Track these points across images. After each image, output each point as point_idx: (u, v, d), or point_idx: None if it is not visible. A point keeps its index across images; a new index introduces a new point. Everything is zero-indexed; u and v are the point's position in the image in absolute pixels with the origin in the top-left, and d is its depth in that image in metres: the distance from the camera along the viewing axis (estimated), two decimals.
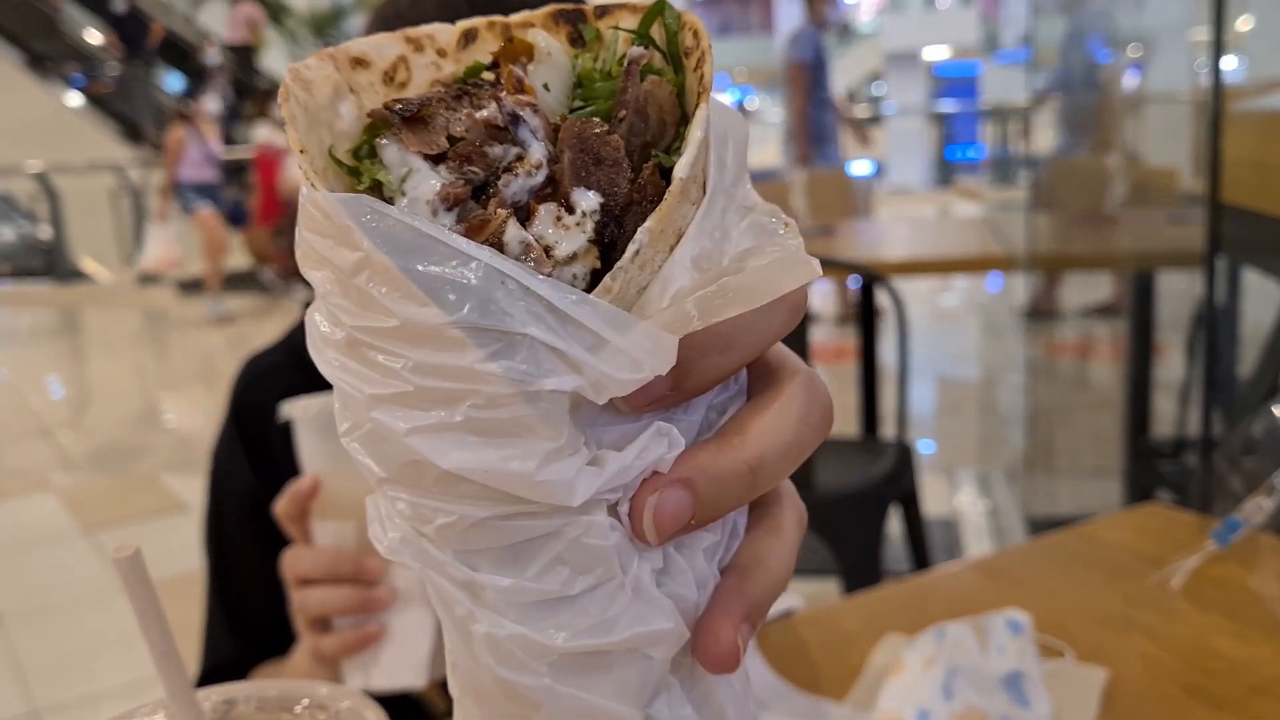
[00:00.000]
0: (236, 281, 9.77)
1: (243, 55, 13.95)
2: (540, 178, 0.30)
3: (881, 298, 3.28)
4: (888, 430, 3.12)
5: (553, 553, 0.29)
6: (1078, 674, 0.97)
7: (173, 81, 14.02)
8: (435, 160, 0.30)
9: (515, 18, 0.35)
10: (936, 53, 22.07)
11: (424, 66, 0.34)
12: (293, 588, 0.88)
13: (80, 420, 6.47)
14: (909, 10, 23.35)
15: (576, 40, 0.34)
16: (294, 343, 1.14)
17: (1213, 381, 2.51)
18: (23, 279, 11.71)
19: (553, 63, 0.33)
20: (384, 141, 0.30)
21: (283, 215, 8.86)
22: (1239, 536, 1.15)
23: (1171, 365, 3.48)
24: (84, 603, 3.58)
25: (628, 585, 0.30)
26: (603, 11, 0.34)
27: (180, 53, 13.94)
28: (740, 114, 0.33)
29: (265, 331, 7.09)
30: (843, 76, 23.59)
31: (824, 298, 7.14)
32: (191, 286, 10.33)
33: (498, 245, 0.28)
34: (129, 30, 13.33)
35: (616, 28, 0.34)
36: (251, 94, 12.87)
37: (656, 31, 0.33)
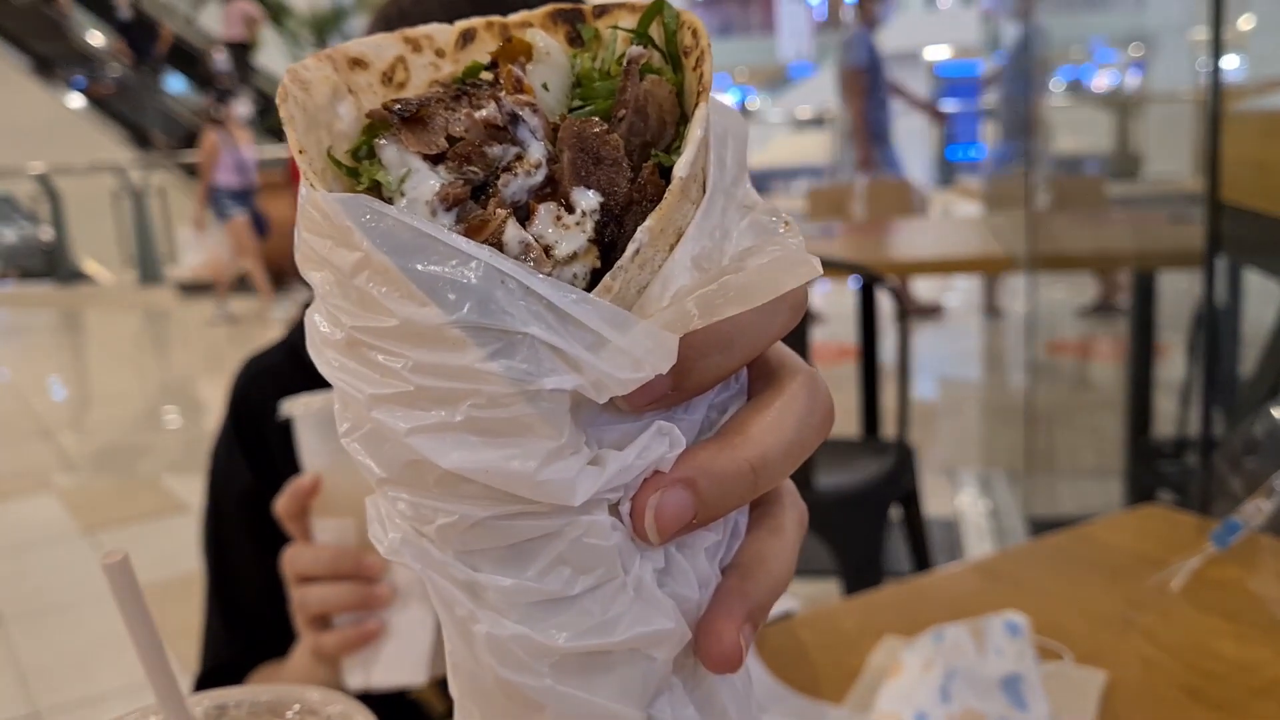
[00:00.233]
0: (242, 281, 9.77)
1: (238, 53, 13.96)
2: (540, 177, 0.30)
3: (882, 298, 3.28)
4: (888, 430, 3.12)
5: (554, 553, 0.29)
6: (1077, 676, 0.97)
7: (179, 86, 14.00)
8: (434, 160, 0.30)
9: (513, 18, 0.34)
10: (937, 52, 22.05)
11: (422, 67, 0.34)
12: (293, 585, 0.87)
13: (81, 421, 6.47)
14: (910, 10, 23.35)
15: (575, 40, 0.34)
16: (293, 343, 1.14)
17: (1213, 382, 2.51)
18: (24, 280, 11.72)
19: (551, 62, 0.33)
20: (383, 142, 0.30)
21: None
22: (1239, 538, 1.15)
23: (1173, 365, 3.47)
24: (85, 604, 3.58)
25: (629, 585, 0.30)
26: (601, 11, 0.34)
27: (188, 58, 13.94)
28: (740, 113, 0.33)
29: (267, 333, 7.10)
30: None
31: (824, 298, 7.13)
32: (192, 288, 10.35)
33: (497, 245, 0.28)
34: (137, 37, 13.30)
35: (615, 27, 0.34)
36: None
37: (655, 31, 0.33)
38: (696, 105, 0.30)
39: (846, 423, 3.24)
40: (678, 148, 0.31)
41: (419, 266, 0.26)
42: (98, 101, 13.36)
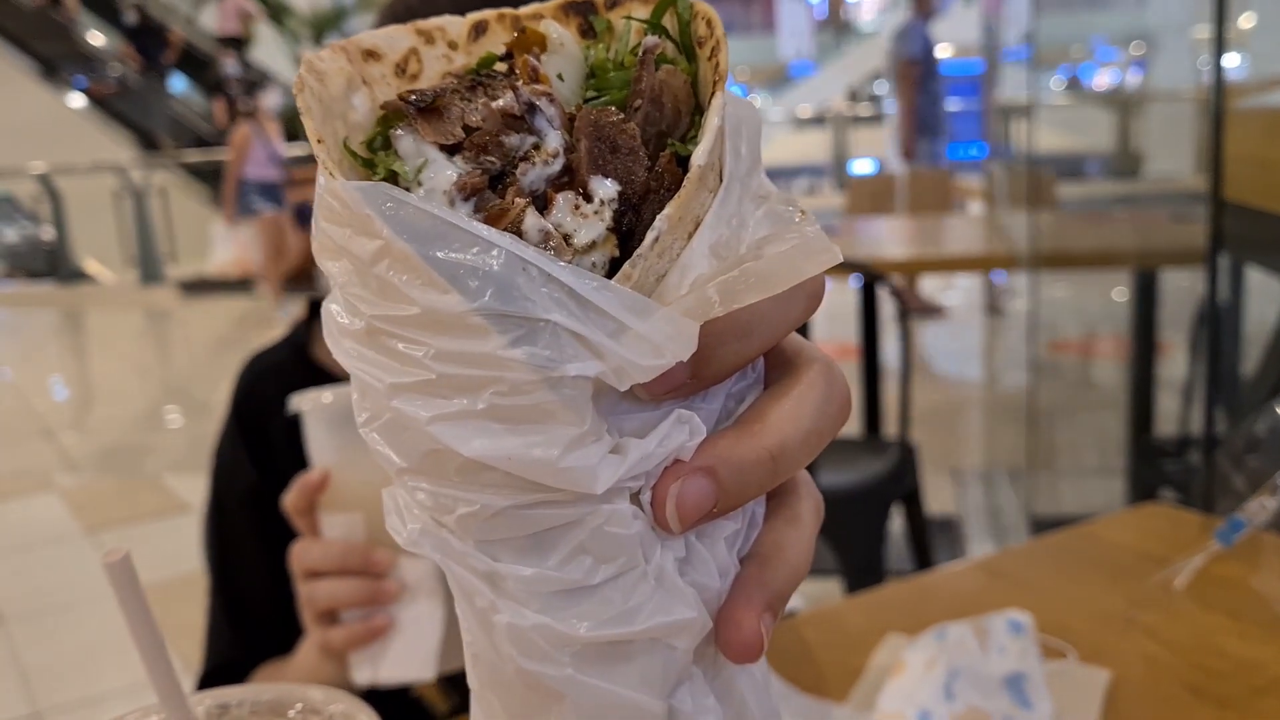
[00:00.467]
0: (244, 281, 9.77)
1: (231, 48, 13.97)
2: (557, 166, 0.30)
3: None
4: (890, 429, 3.12)
5: (575, 542, 0.29)
6: (1080, 674, 0.97)
7: (189, 91, 13.98)
8: (451, 150, 0.29)
9: (525, 10, 0.35)
10: (939, 51, 22.03)
11: (435, 59, 0.34)
12: (301, 580, 0.87)
13: (83, 421, 6.48)
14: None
15: (587, 32, 0.34)
16: (296, 341, 1.14)
17: (1216, 380, 2.50)
18: (25, 280, 11.73)
19: (566, 53, 0.33)
20: (399, 132, 0.30)
21: None
22: (1242, 536, 1.15)
23: (1175, 363, 3.47)
24: (87, 604, 3.58)
25: (650, 574, 0.30)
26: (613, 3, 0.34)
27: (198, 63, 13.94)
28: (753, 105, 0.33)
29: (269, 332, 7.10)
30: (844, 76, 23.62)
31: (825, 297, 7.11)
32: (194, 287, 10.35)
33: (517, 234, 0.28)
34: (146, 43, 13.27)
35: (629, 18, 0.34)
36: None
37: (669, 21, 0.33)
38: (713, 95, 0.30)
39: (848, 422, 3.23)
40: (693, 137, 0.31)
41: (440, 254, 0.26)
42: (99, 101, 13.36)
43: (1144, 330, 3.24)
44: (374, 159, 0.31)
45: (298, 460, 0.89)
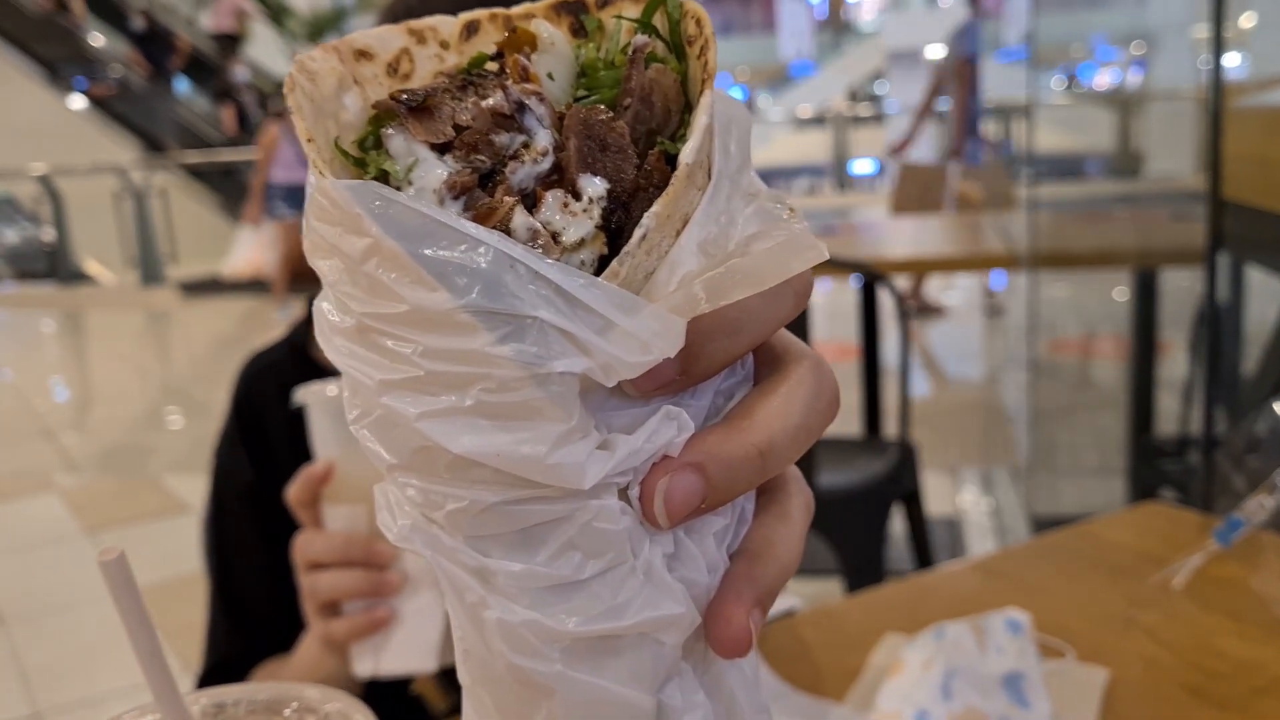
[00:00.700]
0: (242, 282, 9.76)
1: (226, 45, 13.97)
2: (546, 165, 0.30)
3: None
4: (890, 429, 3.12)
5: (564, 537, 0.29)
6: (1079, 674, 0.97)
7: (196, 98, 13.98)
8: (441, 149, 0.30)
9: (517, 9, 0.35)
10: (939, 51, 22.05)
11: (427, 58, 0.34)
12: (303, 572, 0.88)
13: (83, 422, 6.48)
14: (911, 9, 23.35)
15: (578, 31, 0.34)
16: (295, 340, 1.14)
17: (1215, 379, 2.50)
18: (26, 281, 11.73)
19: (556, 52, 0.33)
20: (390, 131, 0.30)
21: None
22: (1241, 535, 1.15)
23: (1175, 363, 3.47)
24: (87, 604, 3.58)
25: (639, 570, 0.30)
26: (604, 2, 0.34)
27: (207, 70, 13.95)
28: (743, 104, 0.33)
29: (271, 333, 7.09)
30: (844, 75, 23.62)
31: (826, 297, 7.13)
32: (194, 288, 10.35)
33: (505, 232, 0.28)
34: (153, 48, 13.27)
35: (619, 17, 0.34)
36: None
37: (659, 20, 0.33)
38: (701, 93, 0.30)
39: (848, 422, 3.24)
40: (683, 136, 0.31)
41: (428, 252, 0.26)
42: (99, 103, 13.36)
43: (1144, 330, 3.24)
44: (365, 158, 0.31)
45: (297, 459, 0.89)
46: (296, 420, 0.96)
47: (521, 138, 0.30)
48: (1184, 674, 0.96)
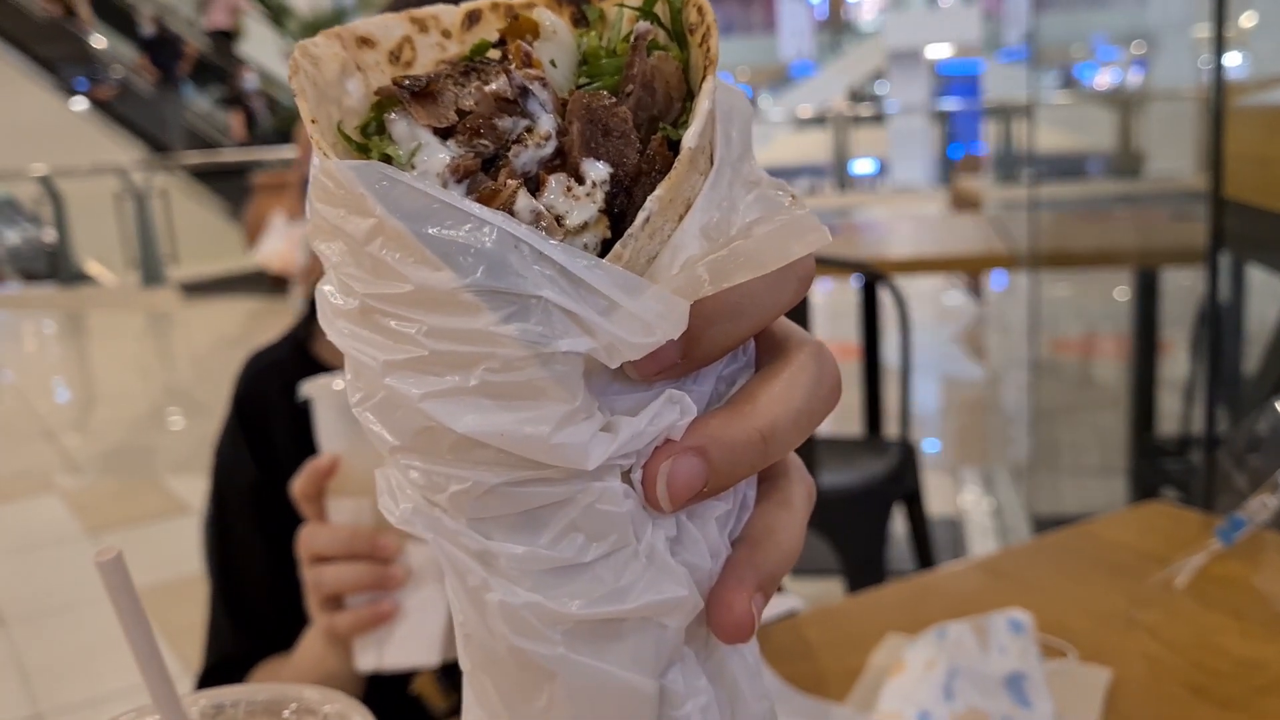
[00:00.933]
0: (245, 283, 9.76)
1: (221, 42, 13.98)
2: (549, 149, 0.30)
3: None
4: (891, 429, 3.12)
5: (567, 519, 0.29)
6: (1081, 674, 0.96)
7: (194, 96, 14.00)
8: (444, 134, 0.30)
9: None
10: (939, 51, 22.06)
11: (429, 46, 0.34)
12: (307, 565, 0.88)
13: (84, 423, 6.48)
14: (911, 8, 23.35)
15: (580, 20, 0.34)
16: (296, 338, 1.14)
17: (1217, 378, 2.50)
18: (27, 282, 11.74)
19: (558, 40, 0.33)
20: (393, 116, 0.30)
21: None
22: (1243, 535, 1.15)
23: (1176, 362, 3.47)
24: (88, 605, 3.58)
25: (641, 553, 0.30)
26: None
27: (216, 76, 13.96)
28: (744, 93, 0.33)
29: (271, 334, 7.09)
30: (844, 76, 23.61)
31: (826, 297, 7.13)
32: (195, 288, 10.35)
33: (509, 214, 0.28)
34: (161, 54, 13.26)
35: (621, 4, 0.34)
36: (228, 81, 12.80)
37: (660, 9, 0.33)
38: (704, 79, 0.30)
39: (849, 421, 3.23)
40: (684, 122, 0.31)
41: (432, 231, 0.26)
42: (101, 105, 13.37)
43: (1145, 329, 3.24)
44: (368, 143, 0.31)
45: (300, 456, 0.89)
46: (299, 418, 0.96)
47: (525, 122, 0.30)
48: (1186, 673, 0.96)
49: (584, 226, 0.29)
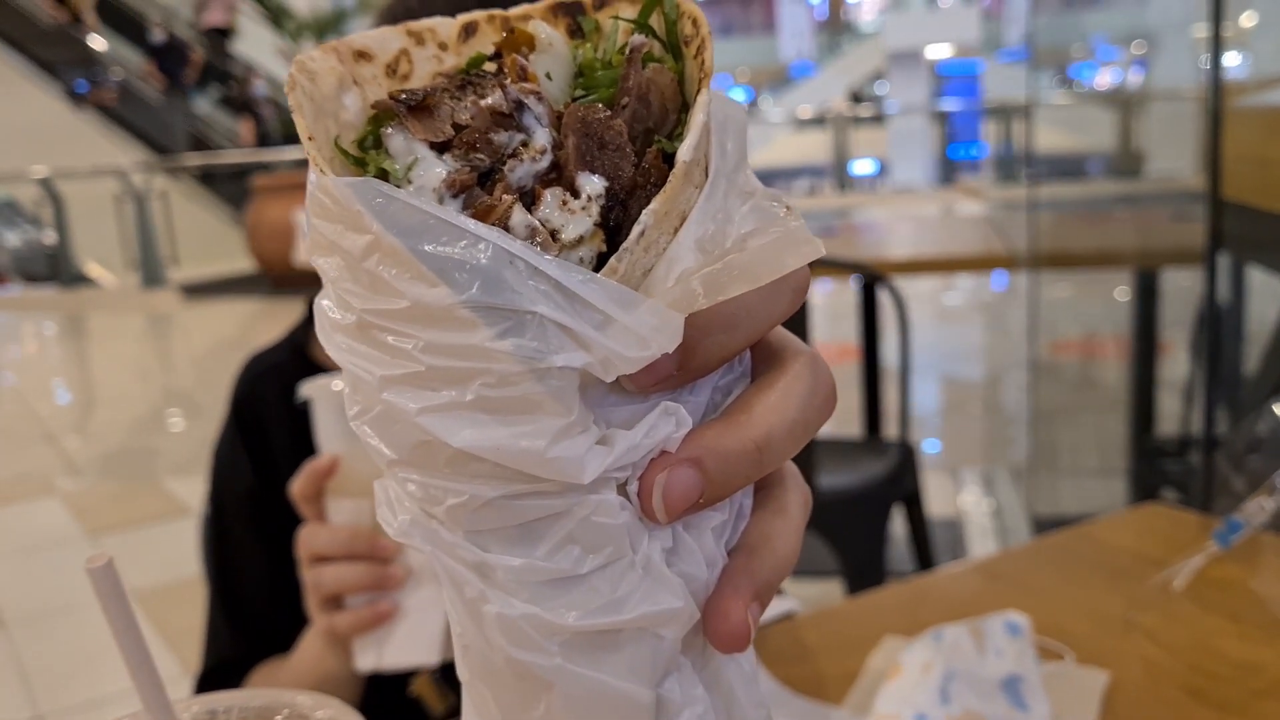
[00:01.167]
0: (245, 284, 9.77)
1: (216, 39, 13.98)
2: (545, 163, 0.30)
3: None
4: (890, 430, 3.12)
5: (563, 532, 0.29)
6: (1078, 676, 0.96)
7: (197, 99, 14.00)
8: (441, 148, 0.30)
9: (514, 11, 0.35)
10: (939, 51, 22.07)
11: (426, 59, 0.35)
12: (307, 565, 0.88)
13: (85, 425, 6.48)
14: (911, 9, 23.35)
15: (575, 32, 0.34)
16: (295, 342, 1.14)
17: (1216, 380, 2.50)
18: (28, 284, 11.74)
19: (554, 53, 0.33)
20: (390, 130, 0.30)
21: None
22: (1241, 537, 1.15)
23: (1175, 363, 3.47)
24: (88, 607, 3.57)
25: (638, 564, 0.30)
26: (601, 3, 0.34)
27: (215, 78, 13.96)
28: (739, 103, 0.33)
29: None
30: (844, 76, 23.62)
31: (825, 298, 7.13)
32: (195, 290, 10.35)
33: (504, 229, 0.29)
34: (168, 61, 13.27)
35: (616, 18, 0.34)
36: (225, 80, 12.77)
37: (655, 21, 0.33)
38: (699, 92, 0.31)
39: (848, 423, 3.23)
40: (680, 134, 0.31)
41: (429, 248, 0.27)
42: (102, 109, 13.37)
43: (1145, 330, 3.23)
44: (365, 157, 0.31)
45: (299, 459, 0.90)
46: (298, 421, 0.96)
47: (520, 136, 0.30)
48: (1184, 676, 0.96)
49: (579, 240, 0.29)
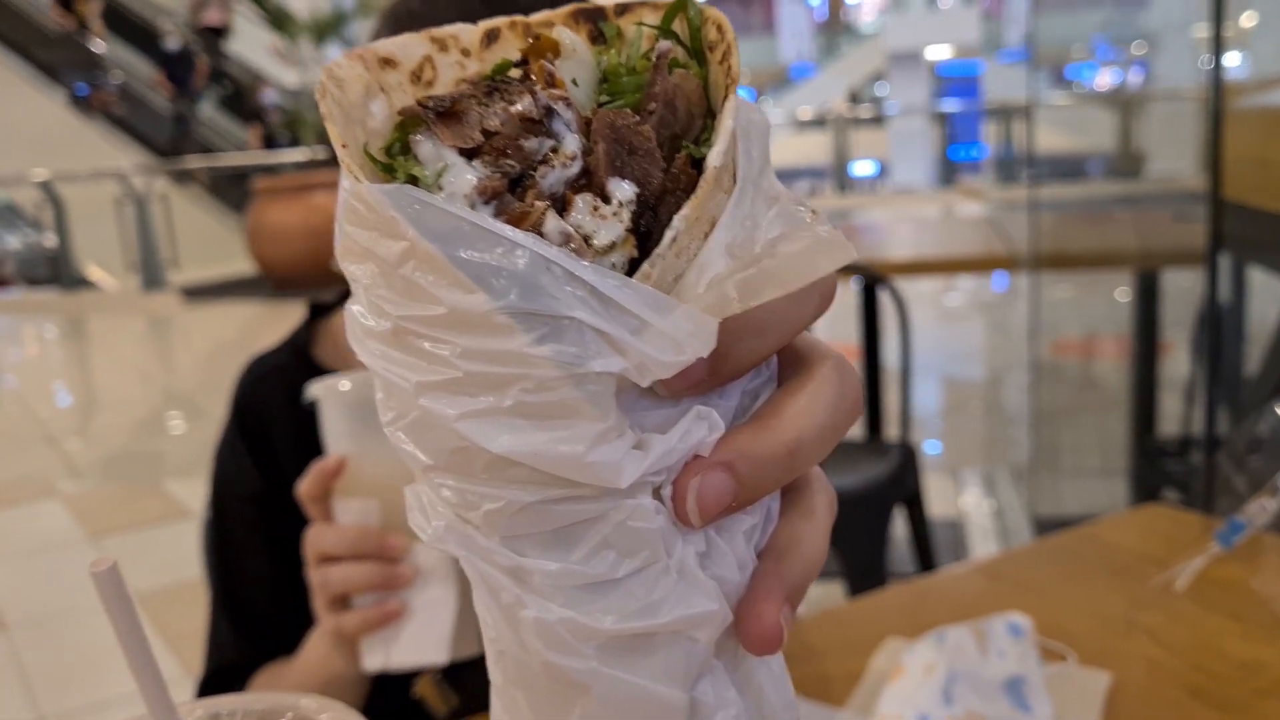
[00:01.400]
0: (245, 287, 9.77)
1: (210, 39, 13.99)
2: (575, 169, 0.30)
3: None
4: (891, 431, 3.12)
5: (599, 536, 0.29)
6: (1081, 677, 0.96)
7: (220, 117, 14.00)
8: (470, 154, 0.30)
9: (536, 17, 0.35)
10: (939, 52, 22.08)
11: (449, 65, 0.35)
12: (314, 565, 0.88)
13: (86, 428, 6.49)
14: (911, 10, 23.37)
15: (597, 38, 0.35)
16: (297, 344, 1.14)
17: (1217, 380, 2.50)
18: (28, 287, 11.75)
19: (579, 59, 0.33)
20: (419, 137, 0.30)
21: None
22: (1243, 538, 1.15)
23: (1177, 364, 3.47)
24: (90, 610, 3.58)
25: (672, 568, 0.30)
26: (623, 10, 0.35)
27: (234, 92, 13.97)
28: (761, 109, 0.33)
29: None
30: (844, 77, 23.63)
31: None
32: (195, 293, 10.36)
33: (538, 235, 0.29)
34: (176, 69, 13.27)
35: (640, 24, 0.34)
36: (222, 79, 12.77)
37: (679, 27, 0.34)
38: (726, 98, 0.31)
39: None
40: (705, 140, 0.31)
41: (465, 254, 0.27)
42: (102, 112, 13.38)
43: (1145, 330, 3.23)
44: (393, 164, 0.31)
45: (300, 462, 0.89)
46: (301, 422, 0.96)
47: (550, 142, 0.30)
48: (1186, 676, 0.96)
49: (611, 246, 0.29)
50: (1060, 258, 3.58)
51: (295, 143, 12.19)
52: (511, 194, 0.30)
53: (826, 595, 2.81)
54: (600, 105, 0.33)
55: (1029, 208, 3.69)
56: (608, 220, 0.29)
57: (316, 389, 0.86)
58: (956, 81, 22.86)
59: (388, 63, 0.34)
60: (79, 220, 11.26)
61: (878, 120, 18.61)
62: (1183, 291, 3.21)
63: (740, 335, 0.30)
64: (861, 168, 16.28)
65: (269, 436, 1.10)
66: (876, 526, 2.38)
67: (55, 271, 11.45)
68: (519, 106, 0.31)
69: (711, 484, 0.30)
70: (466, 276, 0.27)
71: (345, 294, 1.17)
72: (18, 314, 10.89)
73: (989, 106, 17.88)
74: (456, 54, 0.35)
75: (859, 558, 2.34)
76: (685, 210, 0.29)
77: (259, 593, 1.09)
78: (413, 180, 0.30)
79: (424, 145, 0.30)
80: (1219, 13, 2.18)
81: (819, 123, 15.80)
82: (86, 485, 5.14)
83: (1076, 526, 1.30)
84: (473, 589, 0.31)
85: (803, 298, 0.31)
